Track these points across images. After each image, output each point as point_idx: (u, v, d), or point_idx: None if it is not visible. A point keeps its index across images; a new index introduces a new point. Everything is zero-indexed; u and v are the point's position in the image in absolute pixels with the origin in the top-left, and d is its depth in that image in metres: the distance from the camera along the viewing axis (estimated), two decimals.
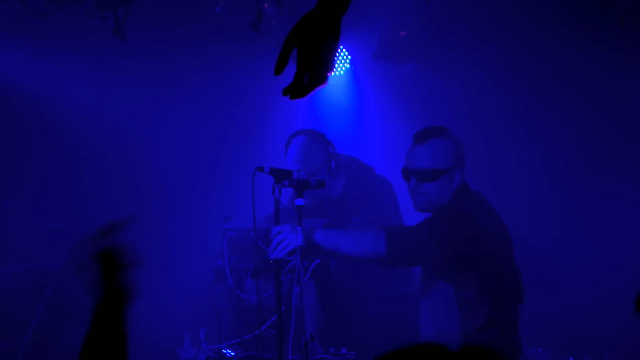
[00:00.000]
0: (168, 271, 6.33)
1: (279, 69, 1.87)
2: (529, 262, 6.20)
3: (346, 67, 6.85)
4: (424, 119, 6.65)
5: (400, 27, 6.47)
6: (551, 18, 6.02)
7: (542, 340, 5.56)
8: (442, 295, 3.94)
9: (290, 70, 1.88)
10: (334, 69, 6.65)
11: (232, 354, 4.70)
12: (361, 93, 6.96)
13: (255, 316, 4.27)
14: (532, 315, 6.07)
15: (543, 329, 5.85)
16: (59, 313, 5.80)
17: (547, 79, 6.42)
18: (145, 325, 6.13)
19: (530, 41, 6.27)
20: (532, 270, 6.23)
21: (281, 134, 6.28)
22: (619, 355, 5.67)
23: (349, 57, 6.81)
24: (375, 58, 6.59)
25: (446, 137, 4.11)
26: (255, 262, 4.40)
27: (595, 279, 6.15)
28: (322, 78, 1.87)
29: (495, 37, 6.29)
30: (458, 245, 3.82)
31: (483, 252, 3.84)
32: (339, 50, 6.72)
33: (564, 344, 5.74)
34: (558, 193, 6.41)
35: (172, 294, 6.20)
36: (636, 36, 5.85)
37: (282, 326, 3.84)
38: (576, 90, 6.39)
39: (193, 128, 6.89)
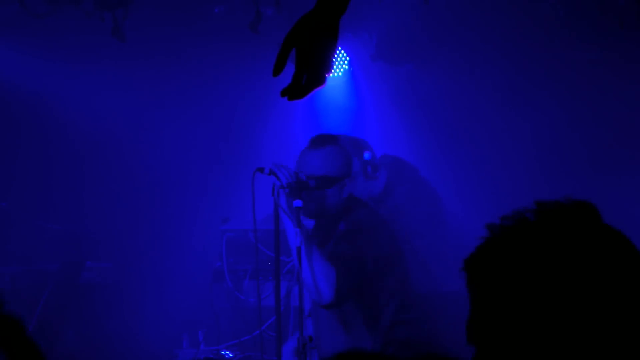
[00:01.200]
0: (167, 272, 6.34)
1: (278, 70, 1.87)
2: None
3: (345, 69, 6.85)
4: (422, 120, 6.67)
5: (399, 28, 6.47)
6: (550, 19, 6.03)
7: None
8: (349, 304, 3.89)
9: (289, 71, 1.88)
10: (333, 70, 6.66)
11: (231, 355, 4.71)
12: (359, 94, 6.96)
13: (253, 317, 4.27)
14: None
15: None
16: (58, 314, 5.80)
17: (546, 80, 6.42)
18: (144, 326, 6.14)
19: (529, 42, 6.28)
20: None
21: (280, 135, 6.29)
22: None
23: (348, 58, 6.82)
24: (374, 59, 6.60)
25: (340, 146, 4.06)
26: (254, 263, 4.40)
27: None
28: (320, 79, 1.87)
29: (494, 38, 6.30)
30: (379, 257, 3.82)
31: (393, 257, 3.85)
32: (338, 52, 6.72)
33: None
34: (558, 193, 6.41)
35: (171, 295, 6.20)
36: (635, 37, 5.85)
37: (281, 327, 3.84)
38: (575, 91, 6.40)
39: (192, 129, 6.89)
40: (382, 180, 4.95)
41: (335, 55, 6.52)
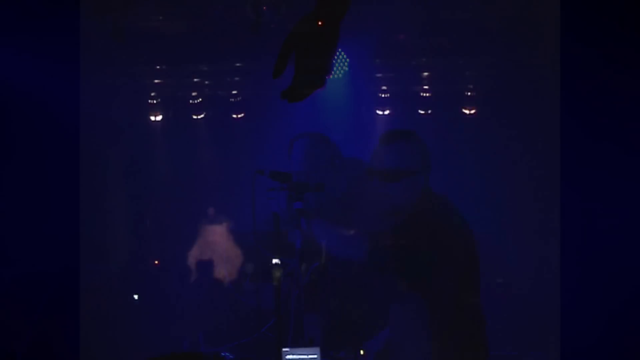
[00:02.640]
0: (167, 275, 6.34)
1: (278, 72, 1.88)
2: (531, 267, 6.21)
3: (345, 70, 6.85)
4: (422, 121, 6.67)
5: (399, 30, 6.48)
6: (549, 20, 6.03)
7: (541, 344, 5.57)
8: (414, 299, 3.88)
9: (289, 73, 1.88)
10: (332, 72, 6.66)
11: (231, 357, 4.70)
12: (359, 96, 6.96)
13: (254, 319, 4.27)
14: (531, 319, 6.08)
15: (542, 333, 5.85)
16: (59, 316, 5.80)
17: (546, 80, 6.43)
18: (145, 328, 6.14)
19: (528, 43, 6.28)
20: (533, 274, 6.24)
21: (280, 137, 6.27)
22: (619, 358, 5.68)
23: (348, 60, 6.82)
24: (374, 61, 6.60)
25: (413, 140, 4.05)
26: (254, 265, 4.40)
27: (596, 284, 6.16)
28: (320, 81, 1.87)
29: (493, 38, 6.30)
30: (436, 251, 3.76)
31: (454, 256, 3.79)
32: (338, 54, 6.72)
33: (563, 347, 5.75)
34: (561, 194, 6.41)
35: (171, 297, 6.20)
36: (635, 37, 5.85)
37: (281, 329, 3.84)
38: (575, 92, 6.40)
39: (192, 130, 6.90)
40: (344, 181, 4.96)
41: (335, 57, 6.53)
